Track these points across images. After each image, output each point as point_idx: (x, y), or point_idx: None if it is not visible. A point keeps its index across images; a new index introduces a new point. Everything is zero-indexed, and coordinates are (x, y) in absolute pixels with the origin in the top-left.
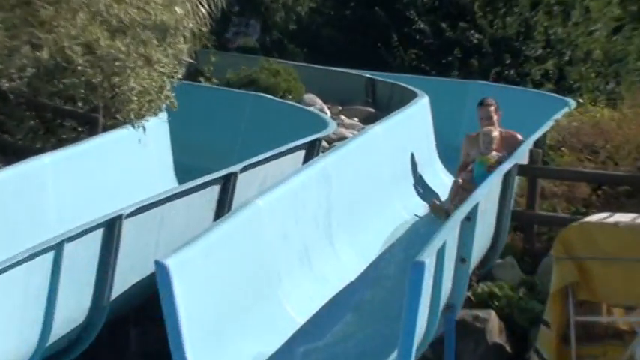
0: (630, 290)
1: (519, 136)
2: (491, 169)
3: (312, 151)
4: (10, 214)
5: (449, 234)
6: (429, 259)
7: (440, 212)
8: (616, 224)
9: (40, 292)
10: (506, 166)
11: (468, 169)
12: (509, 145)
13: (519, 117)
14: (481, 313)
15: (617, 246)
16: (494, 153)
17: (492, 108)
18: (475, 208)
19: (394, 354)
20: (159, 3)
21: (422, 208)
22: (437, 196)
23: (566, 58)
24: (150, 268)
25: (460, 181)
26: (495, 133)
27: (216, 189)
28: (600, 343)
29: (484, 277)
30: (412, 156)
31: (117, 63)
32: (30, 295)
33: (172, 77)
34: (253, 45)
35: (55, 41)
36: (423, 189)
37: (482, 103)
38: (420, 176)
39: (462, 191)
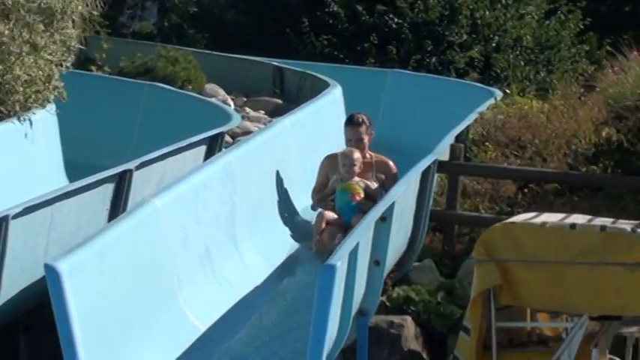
0: (557, 295)
1: (392, 165)
2: (355, 197)
3: (214, 146)
4: None
5: (362, 235)
6: (340, 262)
7: (322, 252)
8: (543, 225)
9: None
10: (424, 163)
11: (330, 199)
12: (381, 173)
13: (441, 109)
14: (396, 319)
15: (544, 248)
16: (357, 178)
17: (363, 128)
18: (391, 207)
19: None
20: None
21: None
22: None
23: (494, 44)
24: (40, 272)
25: (325, 215)
26: (357, 155)
27: (110, 187)
28: (523, 350)
29: (400, 280)
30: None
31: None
32: None
33: (61, 65)
34: (150, 30)
35: None
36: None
37: (351, 122)
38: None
39: (327, 225)
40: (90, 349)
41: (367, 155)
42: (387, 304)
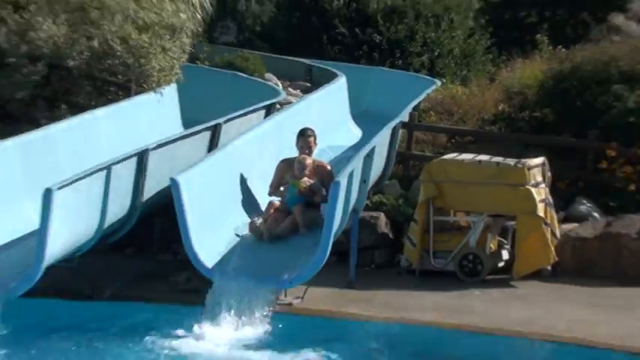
0: (468, 201)
1: (328, 167)
2: (301, 192)
3: (270, 110)
4: (76, 149)
5: (356, 165)
6: (343, 179)
7: (256, 232)
8: (461, 160)
9: (100, 196)
10: (393, 123)
11: (281, 190)
12: (319, 173)
13: (404, 91)
14: (374, 214)
15: (461, 174)
16: (305, 178)
17: (312, 139)
18: (373, 149)
19: (315, 250)
20: (169, 10)
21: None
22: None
23: (436, 53)
24: (167, 183)
25: (275, 203)
26: (309, 161)
27: (207, 134)
28: (448, 234)
29: (377, 192)
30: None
31: (142, 50)
32: (96, 196)
33: (179, 61)
34: (232, 41)
35: (102, 35)
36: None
37: (302, 134)
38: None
39: (274, 211)
40: (196, 230)
41: (314, 160)
42: (369, 205)
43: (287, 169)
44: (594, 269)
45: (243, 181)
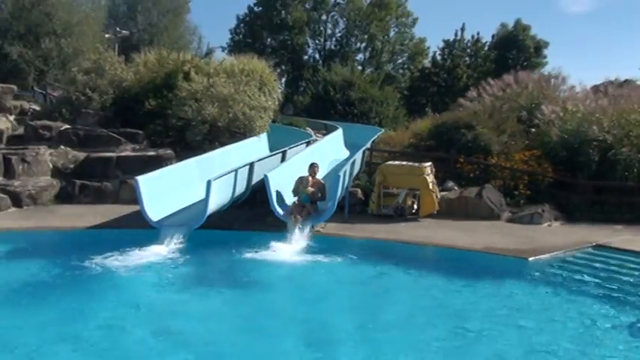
0: (398, 183)
1: (322, 182)
2: (309, 195)
3: (309, 143)
4: (222, 162)
5: (347, 166)
6: (341, 172)
7: (294, 223)
8: (395, 164)
9: (233, 182)
10: (363, 148)
11: (299, 195)
12: (317, 185)
13: (367, 134)
14: (356, 189)
15: (395, 170)
16: (310, 188)
17: (316, 168)
18: (354, 160)
19: (329, 205)
20: (263, 99)
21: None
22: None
23: (381, 117)
24: (262, 177)
25: (296, 201)
26: (311, 180)
27: (280, 155)
28: (389, 197)
29: (357, 179)
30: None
31: (251, 118)
32: (230, 183)
33: (267, 122)
34: (290, 113)
35: (234, 111)
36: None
37: (311, 165)
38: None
39: (296, 207)
40: (275, 198)
41: (315, 179)
42: (353, 185)
43: (300, 182)
44: (456, 213)
45: (294, 174)
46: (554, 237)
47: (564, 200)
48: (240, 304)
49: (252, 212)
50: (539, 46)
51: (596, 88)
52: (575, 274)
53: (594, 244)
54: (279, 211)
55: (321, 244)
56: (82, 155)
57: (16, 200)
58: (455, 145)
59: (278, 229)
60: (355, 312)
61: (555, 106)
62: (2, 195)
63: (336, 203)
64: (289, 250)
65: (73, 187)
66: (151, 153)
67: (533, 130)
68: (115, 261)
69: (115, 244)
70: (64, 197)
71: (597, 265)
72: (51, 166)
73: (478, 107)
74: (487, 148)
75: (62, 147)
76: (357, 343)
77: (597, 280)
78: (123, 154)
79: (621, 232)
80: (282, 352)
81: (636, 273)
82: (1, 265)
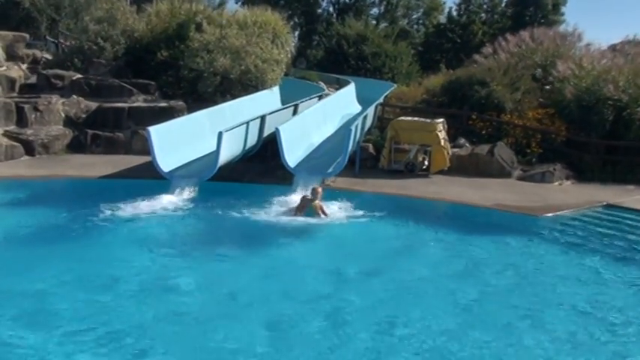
0: (409, 139)
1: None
2: (315, 209)
3: (321, 97)
4: (234, 114)
5: (359, 119)
6: (353, 127)
7: (300, 210)
8: (406, 119)
9: (244, 134)
10: (376, 103)
11: (304, 208)
12: (320, 208)
13: (380, 89)
14: (367, 144)
15: (406, 126)
16: (316, 202)
17: (319, 194)
18: (367, 114)
19: (339, 159)
20: (276, 52)
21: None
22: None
23: (394, 72)
24: (274, 129)
25: (307, 196)
26: (316, 202)
27: (292, 108)
28: (400, 153)
29: (368, 134)
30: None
31: (264, 71)
32: (242, 136)
33: (280, 75)
34: (303, 67)
35: (246, 64)
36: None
37: (313, 191)
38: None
39: (300, 211)
40: (288, 149)
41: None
42: (365, 140)
43: (304, 200)
44: (467, 170)
45: (306, 127)
46: (564, 195)
47: (576, 159)
48: (247, 254)
49: (262, 165)
50: (557, 3)
51: (613, 47)
52: (585, 232)
53: (605, 203)
54: (290, 164)
55: (330, 197)
56: (94, 105)
57: (29, 149)
58: (468, 102)
59: (288, 182)
60: (360, 261)
61: (571, 64)
62: (15, 143)
63: (346, 158)
64: (298, 202)
65: (85, 136)
66: (163, 104)
67: (547, 87)
68: (126, 210)
69: (126, 194)
70: (76, 147)
71: (607, 223)
72: (63, 115)
73: (493, 64)
74: (500, 105)
75: (74, 96)
76: (366, 292)
77: (607, 239)
78: (135, 104)
79: (633, 193)
80: (292, 297)
81: None
82: (13, 212)
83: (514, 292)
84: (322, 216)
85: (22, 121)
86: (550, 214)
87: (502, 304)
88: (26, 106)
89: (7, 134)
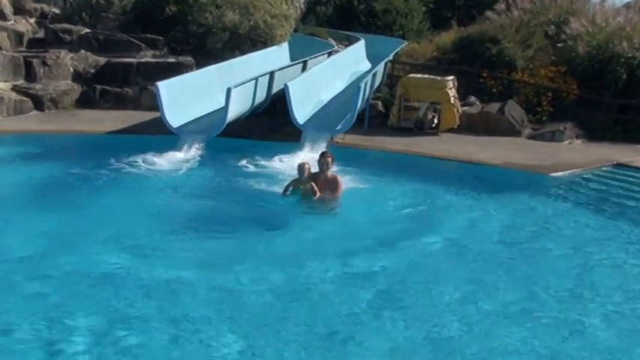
0: (419, 96)
1: (339, 179)
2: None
3: (330, 54)
4: (243, 70)
5: (369, 77)
6: (362, 84)
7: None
8: (416, 76)
9: (253, 90)
10: (386, 60)
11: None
12: (331, 183)
13: (390, 46)
14: (377, 101)
15: (416, 83)
16: (308, 185)
17: (329, 159)
18: (376, 71)
19: (348, 116)
20: (285, 8)
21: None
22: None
23: (405, 29)
24: (282, 86)
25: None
26: (307, 166)
27: (301, 65)
28: (409, 110)
29: (377, 91)
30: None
31: (273, 26)
32: (250, 92)
33: (289, 31)
34: (313, 24)
35: (254, 19)
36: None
37: (322, 155)
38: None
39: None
40: (297, 105)
41: (328, 174)
42: (374, 97)
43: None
44: (477, 128)
45: (315, 84)
46: (574, 154)
47: (587, 118)
48: (253, 209)
49: (271, 122)
50: None
51: (627, 5)
52: (593, 191)
53: (614, 162)
54: (299, 120)
55: (338, 154)
56: (102, 60)
57: (38, 103)
58: (479, 60)
59: (296, 139)
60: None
61: (584, 21)
62: (24, 98)
63: (355, 115)
64: (305, 159)
65: (94, 92)
66: (172, 60)
67: (559, 45)
68: (134, 165)
69: (135, 149)
70: (84, 102)
71: (616, 183)
72: (72, 70)
73: (505, 21)
74: (512, 62)
75: (83, 51)
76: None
77: (615, 198)
78: (143, 60)
79: None
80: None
81: None
82: (24, 167)
83: (512, 249)
84: (316, 196)
85: (30, 75)
86: (559, 173)
87: (502, 262)
88: (34, 61)
89: (16, 89)
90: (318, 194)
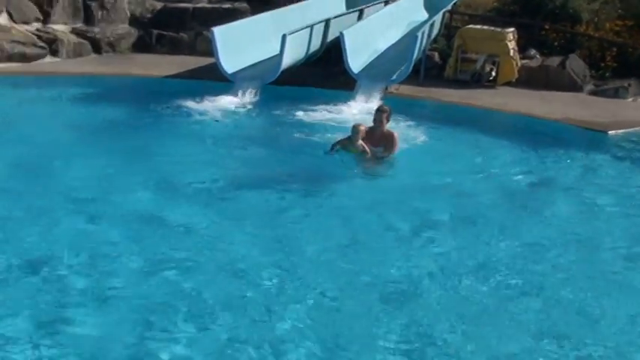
0: (478, 48)
1: (395, 135)
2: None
3: (387, 3)
4: (300, 17)
5: (426, 27)
6: (419, 33)
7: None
8: (475, 27)
9: (308, 38)
10: (444, 9)
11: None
12: (386, 139)
13: None
14: (433, 52)
15: (475, 34)
16: (360, 144)
17: (385, 115)
18: (434, 22)
19: (404, 66)
20: None
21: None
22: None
23: None
24: (338, 34)
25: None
26: (362, 127)
27: (357, 13)
28: (467, 62)
29: (434, 42)
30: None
31: None
32: (305, 39)
33: None
34: None
35: None
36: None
37: (378, 110)
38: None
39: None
40: (353, 53)
41: (384, 129)
42: (431, 47)
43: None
44: (536, 83)
45: (371, 33)
46: (637, 112)
47: None
48: (300, 157)
49: (325, 70)
50: None
51: None
52: None
53: None
54: (354, 70)
55: (392, 105)
56: (159, 5)
57: (96, 47)
58: (541, 12)
59: (351, 88)
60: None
61: None
62: (83, 41)
63: (411, 65)
64: (359, 109)
65: (150, 36)
66: (227, 5)
67: None
68: (188, 109)
69: (190, 94)
70: (141, 46)
71: None
72: (129, 14)
73: None
74: (576, 15)
75: None
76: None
77: None
78: (199, 5)
79: None
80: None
81: None
82: (81, 108)
83: (570, 207)
84: (368, 155)
85: (89, 18)
86: (620, 131)
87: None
88: (93, 4)
89: (75, 31)
90: (369, 154)
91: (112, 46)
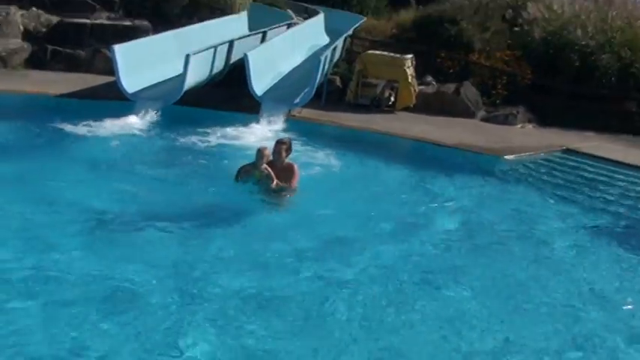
0: (377, 73)
1: (295, 167)
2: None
3: (290, 26)
4: (201, 38)
5: (327, 52)
6: (322, 57)
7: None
8: (375, 53)
9: (211, 59)
10: (345, 35)
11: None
12: (286, 171)
13: (349, 21)
14: (335, 76)
15: (375, 60)
16: (265, 171)
17: (284, 147)
18: (336, 46)
19: (307, 89)
20: None
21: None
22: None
23: (362, 4)
24: (241, 55)
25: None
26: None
27: (260, 35)
28: (367, 88)
29: (335, 66)
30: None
31: None
32: (209, 60)
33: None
34: None
35: None
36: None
37: (278, 142)
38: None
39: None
40: (257, 76)
41: (284, 162)
42: (332, 72)
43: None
44: (432, 108)
45: (274, 56)
46: (526, 138)
47: (540, 103)
48: (204, 179)
49: (228, 93)
50: None
51: None
52: (543, 175)
53: (564, 148)
54: (257, 92)
55: (295, 127)
56: (54, 19)
57: None
58: (437, 40)
59: (253, 111)
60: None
61: (541, 7)
62: None
63: (314, 89)
64: (262, 132)
65: (45, 52)
66: (127, 23)
67: (516, 29)
68: (86, 129)
69: (87, 113)
70: (35, 62)
71: (564, 168)
72: (22, 28)
73: (464, 2)
74: (469, 44)
75: (34, 9)
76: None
77: (561, 182)
78: (97, 21)
79: (591, 139)
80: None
81: (600, 178)
82: None
83: (461, 230)
84: (273, 183)
85: None
86: (511, 156)
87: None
88: None
89: None
90: (275, 182)
91: (4, 62)
